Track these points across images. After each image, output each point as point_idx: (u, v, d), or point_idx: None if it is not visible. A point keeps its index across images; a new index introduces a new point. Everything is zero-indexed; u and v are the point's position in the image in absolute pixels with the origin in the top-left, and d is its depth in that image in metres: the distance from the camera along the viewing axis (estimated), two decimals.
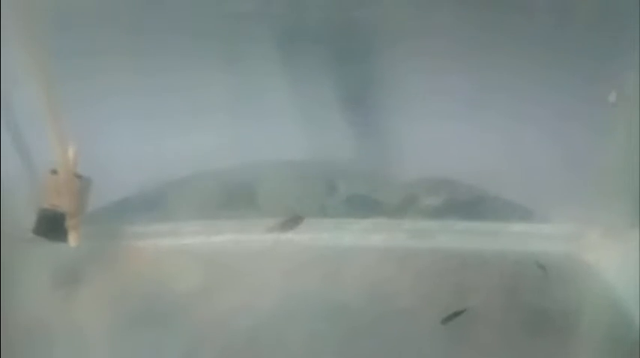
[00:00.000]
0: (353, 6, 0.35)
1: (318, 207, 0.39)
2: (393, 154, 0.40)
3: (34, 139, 0.36)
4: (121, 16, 0.34)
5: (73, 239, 0.36)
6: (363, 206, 0.40)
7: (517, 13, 0.35)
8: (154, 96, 0.36)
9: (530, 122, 0.37)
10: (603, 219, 0.37)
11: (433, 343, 0.30)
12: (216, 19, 0.34)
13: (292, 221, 0.37)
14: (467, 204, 0.40)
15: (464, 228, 0.38)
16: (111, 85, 0.35)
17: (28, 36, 0.30)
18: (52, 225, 0.35)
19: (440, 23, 0.35)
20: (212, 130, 0.36)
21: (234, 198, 0.39)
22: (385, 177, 0.40)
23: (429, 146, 0.38)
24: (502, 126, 0.37)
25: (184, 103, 0.36)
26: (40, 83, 0.32)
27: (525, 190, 0.40)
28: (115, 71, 0.34)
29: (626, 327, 0.31)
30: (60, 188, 0.35)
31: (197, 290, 0.33)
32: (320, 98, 0.38)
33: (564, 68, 0.36)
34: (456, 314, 0.31)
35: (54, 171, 0.35)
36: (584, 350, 0.31)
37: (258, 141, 0.38)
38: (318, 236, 0.37)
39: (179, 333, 0.31)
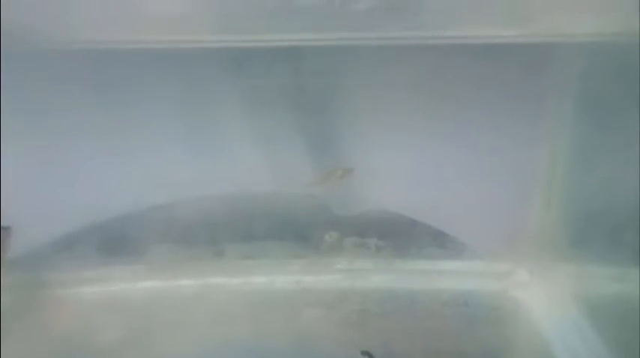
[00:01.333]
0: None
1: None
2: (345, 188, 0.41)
3: None
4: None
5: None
6: (300, 244, 0.39)
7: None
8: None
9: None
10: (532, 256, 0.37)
11: None
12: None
13: (339, 173, 0.36)
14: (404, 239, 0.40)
15: (397, 268, 0.39)
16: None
17: None
18: None
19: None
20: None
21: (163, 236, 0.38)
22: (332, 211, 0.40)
23: (379, 178, 0.38)
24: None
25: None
26: None
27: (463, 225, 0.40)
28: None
29: None
30: None
31: (121, 340, 0.33)
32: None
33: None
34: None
35: None
36: None
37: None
38: (249, 280, 0.37)
39: None
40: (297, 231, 0.38)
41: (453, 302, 0.35)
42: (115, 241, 0.37)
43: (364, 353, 0.31)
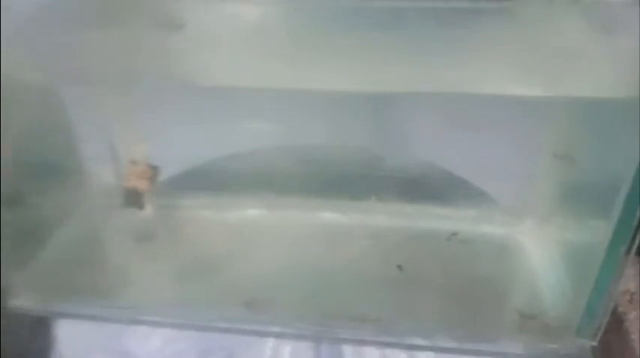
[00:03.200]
0: None
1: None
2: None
3: (119, 141, 0.51)
4: None
5: (147, 208, 0.51)
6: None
7: None
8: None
9: None
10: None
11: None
12: None
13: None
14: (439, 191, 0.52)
15: (428, 213, 0.51)
16: None
17: None
18: (133, 200, 0.50)
19: None
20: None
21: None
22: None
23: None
24: None
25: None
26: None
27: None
28: None
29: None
30: (139, 174, 0.49)
31: (230, 251, 0.48)
32: None
33: None
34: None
35: (133, 162, 0.50)
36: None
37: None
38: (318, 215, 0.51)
39: (220, 276, 0.46)
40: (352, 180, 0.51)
41: (469, 240, 0.47)
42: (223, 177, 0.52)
43: (399, 266, 0.45)
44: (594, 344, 0.38)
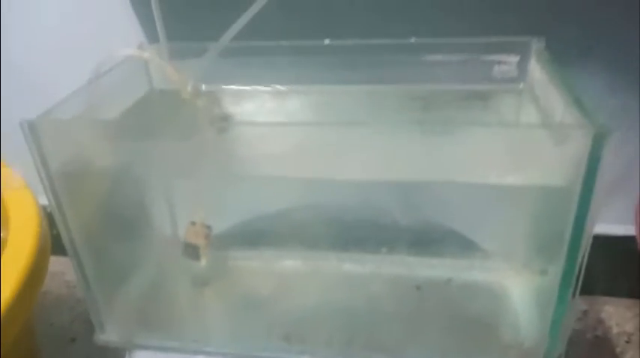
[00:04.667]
0: None
1: None
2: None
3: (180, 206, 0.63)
4: None
5: (203, 260, 0.62)
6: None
7: None
8: None
9: None
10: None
11: None
12: None
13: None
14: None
15: (427, 264, 0.62)
16: None
17: None
18: (191, 252, 0.62)
19: None
20: None
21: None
22: None
23: None
24: None
25: None
26: None
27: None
28: None
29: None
30: (196, 232, 0.61)
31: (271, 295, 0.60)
32: None
33: None
34: None
35: (192, 223, 0.62)
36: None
37: None
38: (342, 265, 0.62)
39: (263, 315, 0.57)
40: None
41: (463, 285, 0.58)
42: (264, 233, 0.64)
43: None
44: None
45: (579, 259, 0.43)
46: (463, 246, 0.61)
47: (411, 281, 0.58)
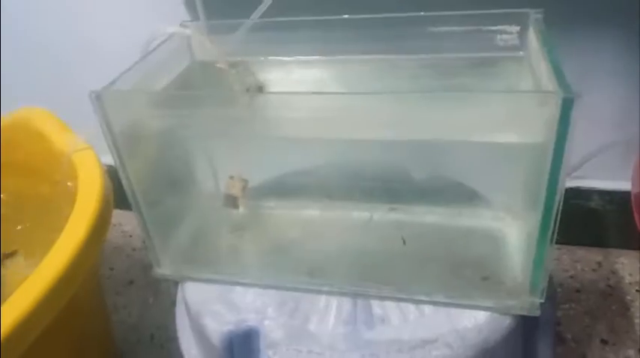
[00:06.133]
0: None
1: None
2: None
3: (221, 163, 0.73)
4: None
5: (240, 208, 0.71)
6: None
7: None
8: None
9: None
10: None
11: None
12: None
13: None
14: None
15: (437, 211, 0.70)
16: None
17: None
18: (231, 202, 0.70)
19: None
20: None
21: None
22: None
23: None
24: None
25: None
26: None
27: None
28: None
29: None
30: (234, 185, 0.71)
31: (297, 238, 0.69)
32: None
33: None
34: None
35: (231, 177, 0.72)
36: None
37: None
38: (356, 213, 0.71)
39: (290, 254, 0.67)
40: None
41: (463, 230, 0.66)
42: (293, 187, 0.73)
43: (403, 240, 0.64)
44: (541, 300, 0.55)
45: (555, 208, 0.50)
46: (468, 196, 0.68)
47: (419, 227, 0.66)
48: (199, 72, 0.71)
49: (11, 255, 0.89)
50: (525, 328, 0.59)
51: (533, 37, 0.60)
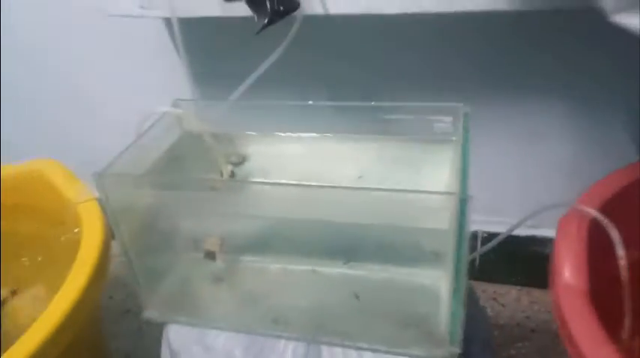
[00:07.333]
0: None
1: None
2: None
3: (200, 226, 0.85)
4: None
5: (218, 262, 0.84)
6: None
7: None
8: None
9: None
10: None
11: None
12: None
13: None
14: None
15: None
16: None
17: None
18: (210, 255, 0.83)
19: None
20: None
21: None
22: None
23: None
24: None
25: None
26: None
27: None
28: None
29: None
30: (213, 242, 0.83)
31: (267, 291, 0.81)
32: None
33: None
34: None
35: (209, 236, 0.84)
36: None
37: None
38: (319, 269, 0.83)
39: (260, 305, 0.79)
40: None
41: (405, 287, 0.78)
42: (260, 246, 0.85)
43: (356, 296, 0.75)
44: (459, 351, 0.66)
45: (462, 273, 0.60)
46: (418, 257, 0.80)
47: (367, 283, 0.78)
48: (188, 142, 0.83)
49: (16, 291, 1.03)
50: None
51: (459, 127, 0.72)
